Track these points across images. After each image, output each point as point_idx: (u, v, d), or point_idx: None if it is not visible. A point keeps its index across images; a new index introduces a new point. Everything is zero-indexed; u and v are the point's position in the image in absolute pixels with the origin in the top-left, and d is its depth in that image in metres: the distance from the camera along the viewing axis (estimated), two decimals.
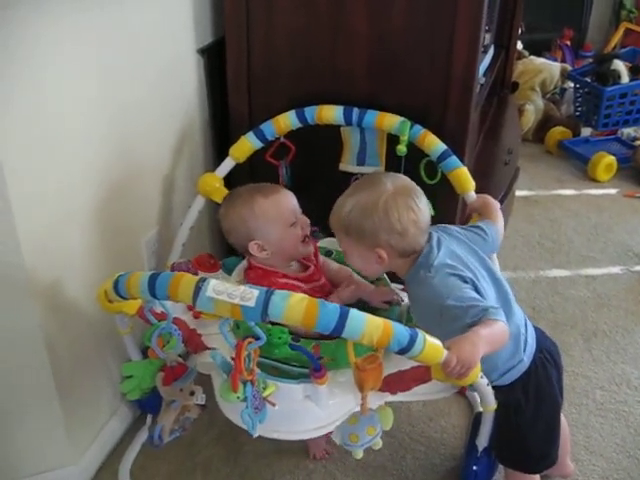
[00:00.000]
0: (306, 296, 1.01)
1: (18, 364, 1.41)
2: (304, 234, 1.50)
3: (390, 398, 1.32)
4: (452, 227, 1.45)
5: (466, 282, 1.29)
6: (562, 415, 1.49)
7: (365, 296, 1.51)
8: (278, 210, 1.47)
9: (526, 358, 1.35)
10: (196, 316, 1.44)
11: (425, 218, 1.35)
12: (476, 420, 1.62)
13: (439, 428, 1.81)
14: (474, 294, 1.27)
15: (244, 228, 1.46)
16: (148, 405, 1.71)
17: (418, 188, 1.37)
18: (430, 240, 1.36)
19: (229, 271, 1.63)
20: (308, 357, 1.26)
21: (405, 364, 1.30)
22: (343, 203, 1.36)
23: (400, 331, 1.04)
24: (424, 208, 1.35)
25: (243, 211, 1.46)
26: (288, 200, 1.50)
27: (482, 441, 1.52)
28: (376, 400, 1.29)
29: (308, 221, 1.52)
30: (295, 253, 1.52)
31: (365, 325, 1.01)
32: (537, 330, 1.43)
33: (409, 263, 1.36)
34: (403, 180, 1.38)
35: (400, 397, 1.33)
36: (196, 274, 1.58)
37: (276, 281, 1.46)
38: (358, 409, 1.25)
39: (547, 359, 1.38)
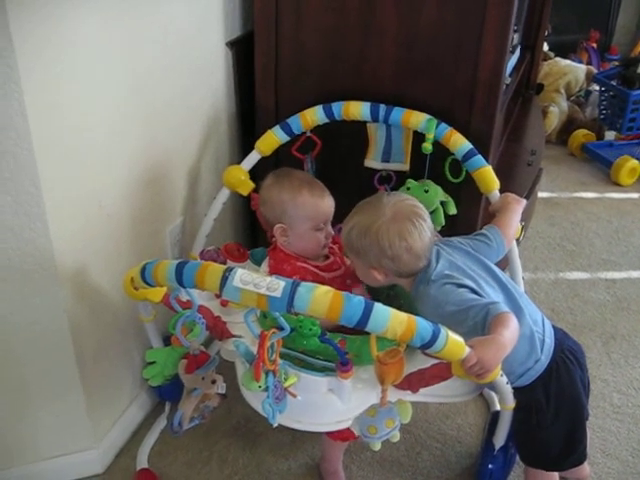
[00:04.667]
0: (331, 289, 1.02)
1: (42, 348, 1.43)
2: (325, 242, 1.55)
3: (411, 397, 1.33)
4: (454, 239, 1.47)
5: (463, 287, 1.31)
6: None
7: None
8: (314, 212, 1.51)
9: (544, 357, 1.35)
10: (224, 304, 1.46)
11: (421, 244, 1.34)
12: (493, 418, 1.62)
13: (455, 426, 1.81)
14: (471, 295, 1.29)
15: (279, 209, 1.51)
16: (167, 393, 1.74)
17: (421, 212, 1.37)
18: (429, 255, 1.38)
19: (256, 262, 1.65)
20: (337, 351, 1.28)
21: (425, 364, 1.31)
22: (348, 221, 1.41)
23: (423, 326, 1.05)
24: (420, 234, 1.34)
25: (285, 195, 1.50)
26: (327, 207, 1.54)
27: (499, 440, 1.52)
28: (397, 396, 1.30)
29: (332, 234, 1.56)
30: (310, 251, 1.56)
31: (389, 319, 1.02)
32: (558, 330, 1.43)
33: (412, 281, 1.39)
34: (404, 205, 1.38)
35: (422, 397, 1.35)
36: (224, 262, 1.60)
37: (294, 264, 1.51)
38: (377, 402, 1.26)
39: (569, 359, 1.38)
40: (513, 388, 1.37)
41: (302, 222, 1.51)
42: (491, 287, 1.37)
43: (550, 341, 1.37)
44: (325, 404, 1.30)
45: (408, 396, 1.32)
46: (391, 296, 1.56)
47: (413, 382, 1.30)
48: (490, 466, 1.56)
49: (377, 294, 1.57)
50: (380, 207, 1.37)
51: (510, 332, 1.18)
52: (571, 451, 1.45)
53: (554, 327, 1.43)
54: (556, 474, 1.50)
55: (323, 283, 1.21)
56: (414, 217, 1.36)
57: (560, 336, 1.41)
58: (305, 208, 1.50)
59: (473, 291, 1.31)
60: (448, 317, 1.27)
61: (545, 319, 1.42)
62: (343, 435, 1.40)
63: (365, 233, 1.35)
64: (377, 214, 1.35)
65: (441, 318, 1.25)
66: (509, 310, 1.24)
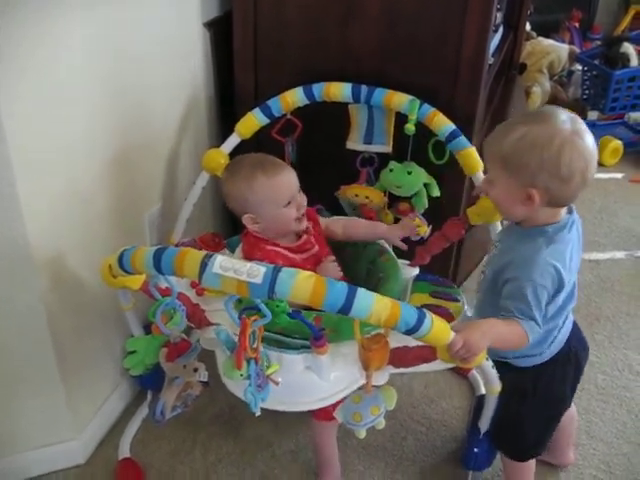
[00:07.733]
0: (314, 274, 1.00)
1: (19, 339, 1.41)
2: (297, 215, 1.50)
3: (392, 370, 1.31)
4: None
5: (546, 288, 1.20)
6: (574, 408, 1.54)
7: (380, 235, 1.56)
8: (275, 191, 1.46)
9: (548, 353, 1.34)
10: (199, 293, 1.43)
11: (593, 169, 1.20)
12: (478, 402, 1.61)
13: (440, 410, 1.81)
14: (542, 300, 1.20)
15: (241, 200, 1.47)
16: (149, 382, 1.71)
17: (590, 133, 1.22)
18: (571, 216, 1.28)
19: (233, 250, 1.62)
20: (307, 325, 1.25)
21: (411, 340, 1.29)
22: (511, 129, 1.21)
23: (408, 311, 1.02)
24: (595, 156, 1.20)
25: (242, 185, 1.46)
26: (287, 180, 1.48)
27: (484, 423, 1.51)
28: (379, 376, 1.28)
29: (305, 202, 1.51)
30: (286, 230, 1.52)
31: (373, 305, 1.00)
32: (575, 327, 1.40)
33: (542, 219, 1.25)
34: (580, 121, 1.22)
35: (401, 369, 1.33)
36: None
37: (263, 248, 1.48)
38: (362, 384, 1.24)
39: (570, 360, 1.37)
40: (504, 363, 1.35)
41: (266, 206, 1.46)
42: (567, 287, 1.26)
43: (562, 339, 1.35)
44: (304, 382, 1.29)
45: (389, 370, 1.31)
46: (371, 271, 1.54)
47: (395, 360, 1.28)
48: (475, 450, 1.55)
49: (358, 267, 1.55)
50: (557, 118, 1.20)
51: (504, 331, 1.18)
52: (539, 443, 1.46)
53: (574, 324, 1.39)
54: (532, 462, 1.51)
55: (295, 265, 1.17)
56: (591, 139, 1.21)
57: (571, 336, 1.37)
58: (264, 192, 1.45)
59: (555, 294, 1.22)
60: (512, 283, 1.20)
61: (570, 317, 1.36)
62: (329, 415, 1.37)
63: (543, 145, 1.16)
64: (556, 126, 1.19)
65: (512, 277, 1.21)
66: (529, 333, 1.18)
